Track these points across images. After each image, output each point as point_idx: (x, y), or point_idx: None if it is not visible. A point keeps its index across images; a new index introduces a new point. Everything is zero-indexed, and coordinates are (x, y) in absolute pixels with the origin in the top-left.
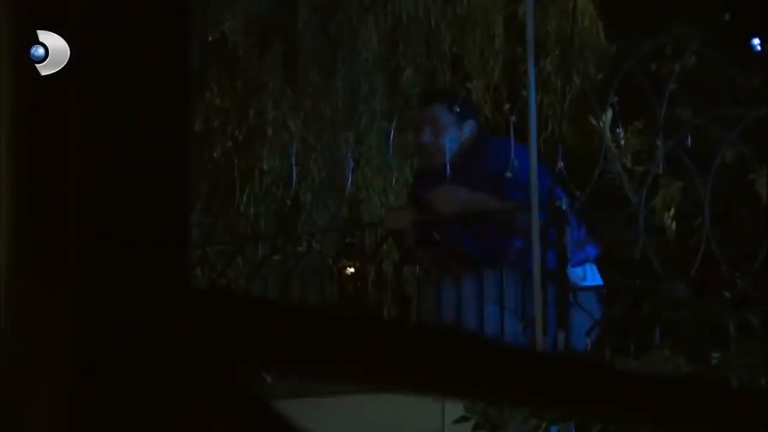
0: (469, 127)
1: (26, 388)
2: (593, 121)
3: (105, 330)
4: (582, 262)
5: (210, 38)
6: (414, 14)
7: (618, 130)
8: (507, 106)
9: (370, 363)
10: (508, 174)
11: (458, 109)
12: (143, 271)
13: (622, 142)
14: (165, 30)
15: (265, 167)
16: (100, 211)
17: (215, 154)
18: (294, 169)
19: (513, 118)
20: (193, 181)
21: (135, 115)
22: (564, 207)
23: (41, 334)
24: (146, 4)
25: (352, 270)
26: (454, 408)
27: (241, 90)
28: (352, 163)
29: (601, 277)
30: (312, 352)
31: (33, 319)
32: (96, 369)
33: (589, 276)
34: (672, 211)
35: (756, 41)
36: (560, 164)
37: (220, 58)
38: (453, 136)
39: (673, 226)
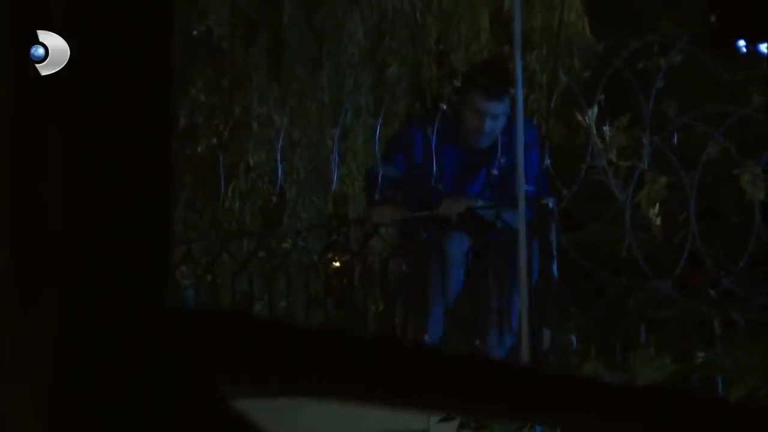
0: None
1: (6, 395)
2: (579, 118)
3: (87, 333)
4: None
5: (195, 32)
6: (400, 8)
7: (605, 128)
8: None
9: (347, 377)
10: (495, 172)
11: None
12: (125, 271)
13: (608, 138)
14: (148, 24)
15: (251, 162)
16: (82, 209)
17: (200, 150)
18: (279, 164)
19: None
20: (178, 176)
21: (117, 112)
22: (551, 205)
23: (22, 338)
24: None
25: (337, 264)
26: None
27: (226, 85)
28: (337, 159)
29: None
30: (294, 368)
31: (13, 323)
32: (77, 373)
33: None
34: (657, 206)
35: (742, 43)
36: (547, 161)
37: (205, 52)
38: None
39: (659, 221)
